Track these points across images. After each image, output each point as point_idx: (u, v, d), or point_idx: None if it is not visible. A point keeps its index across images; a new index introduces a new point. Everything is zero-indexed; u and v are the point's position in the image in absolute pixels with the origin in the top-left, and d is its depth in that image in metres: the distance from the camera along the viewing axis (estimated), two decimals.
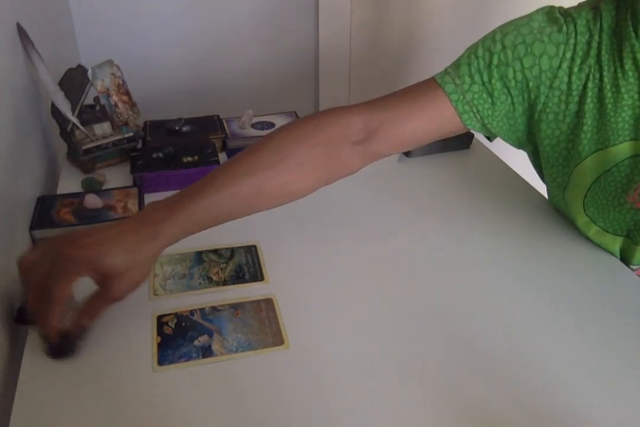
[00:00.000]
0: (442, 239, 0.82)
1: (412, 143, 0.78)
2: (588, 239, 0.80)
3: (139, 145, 1.04)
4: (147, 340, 0.65)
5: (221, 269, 0.76)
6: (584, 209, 0.77)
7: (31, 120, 0.95)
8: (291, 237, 0.83)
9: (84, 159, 0.97)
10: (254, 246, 0.80)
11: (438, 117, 0.75)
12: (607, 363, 0.62)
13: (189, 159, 0.97)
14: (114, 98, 0.98)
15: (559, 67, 0.72)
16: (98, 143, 0.98)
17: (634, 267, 0.78)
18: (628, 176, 0.72)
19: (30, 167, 0.90)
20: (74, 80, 0.99)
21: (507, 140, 0.81)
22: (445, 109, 0.75)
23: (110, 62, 0.97)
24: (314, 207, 0.91)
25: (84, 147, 0.96)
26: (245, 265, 0.77)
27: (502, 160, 1.04)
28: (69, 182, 0.96)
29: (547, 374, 0.61)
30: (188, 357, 0.62)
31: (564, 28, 0.71)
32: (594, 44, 0.71)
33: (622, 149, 0.71)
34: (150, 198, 0.91)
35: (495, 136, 0.82)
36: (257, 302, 0.70)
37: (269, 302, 0.70)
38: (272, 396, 0.58)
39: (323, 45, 1.76)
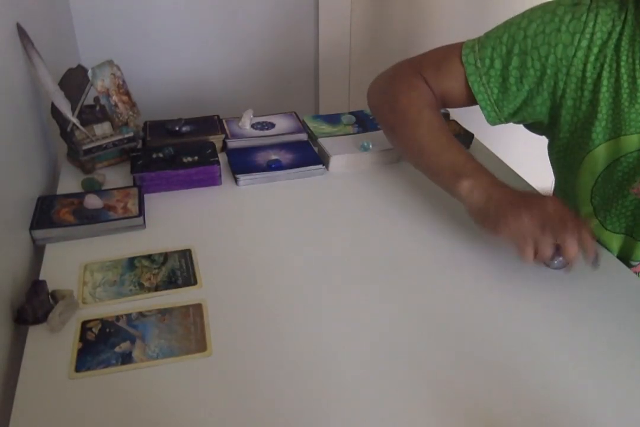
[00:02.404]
0: (439, 239, 0.82)
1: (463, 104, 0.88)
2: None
3: (139, 145, 1.04)
4: (71, 346, 0.64)
5: (153, 274, 0.75)
6: (591, 198, 0.77)
7: (31, 120, 0.95)
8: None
9: (84, 159, 0.97)
10: (189, 250, 0.79)
11: (466, 91, 0.84)
12: (606, 362, 0.62)
13: (189, 159, 0.97)
14: (114, 98, 0.98)
15: (574, 55, 0.73)
16: (98, 143, 0.98)
17: (634, 263, 0.78)
18: (635, 168, 0.72)
19: (30, 167, 0.90)
20: (74, 80, 0.99)
21: (525, 123, 0.86)
22: (467, 86, 0.83)
23: (110, 62, 0.97)
24: (307, 210, 0.91)
25: (84, 147, 0.96)
26: (178, 270, 0.75)
27: (502, 161, 1.04)
28: (69, 182, 0.96)
29: (546, 374, 0.61)
30: (107, 364, 0.61)
31: (584, 16, 0.72)
32: (615, 35, 0.71)
33: (633, 140, 0.72)
34: (150, 198, 0.91)
35: (507, 121, 0.85)
36: (186, 307, 0.69)
37: (197, 308, 0.69)
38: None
39: (323, 45, 1.76)
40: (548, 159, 0.92)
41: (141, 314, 0.68)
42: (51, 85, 0.93)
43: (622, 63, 0.71)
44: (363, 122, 1.13)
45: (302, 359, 0.62)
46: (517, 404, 0.57)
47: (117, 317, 0.68)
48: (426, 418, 0.56)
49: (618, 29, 0.71)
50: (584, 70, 0.73)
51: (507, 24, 0.80)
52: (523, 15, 0.78)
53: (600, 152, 0.75)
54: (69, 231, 0.81)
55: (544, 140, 0.88)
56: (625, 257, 0.78)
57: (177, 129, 1.07)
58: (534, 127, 0.86)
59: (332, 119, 1.14)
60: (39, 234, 0.81)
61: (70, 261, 0.77)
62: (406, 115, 0.83)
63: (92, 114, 1.01)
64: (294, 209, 0.90)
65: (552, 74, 0.75)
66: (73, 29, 1.57)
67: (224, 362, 0.62)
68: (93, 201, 0.85)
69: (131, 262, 0.77)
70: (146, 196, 0.91)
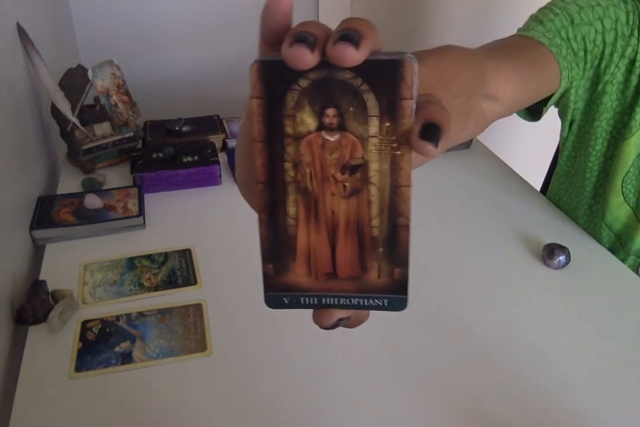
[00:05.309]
0: (440, 239, 0.82)
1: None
2: (615, 226, 0.79)
3: (139, 145, 1.04)
4: (71, 346, 0.64)
5: (153, 274, 0.75)
6: (622, 187, 0.76)
7: (31, 120, 0.95)
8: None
9: (84, 159, 0.97)
10: (189, 250, 0.79)
11: (545, 76, 0.63)
12: (607, 362, 0.62)
13: (189, 159, 0.97)
14: (114, 98, 0.98)
15: (631, 34, 0.70)
16: (98, 143, 0.98)
17: None
18: None
19: (30, 167, 0.90)
20: (74, 80, 0.99)
21: (566, 113, 0.76)
22: (552, 66, 0.63)
23: (110, 62, 0.97)
24: None
25: (84, 147, 0.96)
26: (178, 269, 0.76)
27: (502, 160, 1.04)
28: (69, 182, 0.96)
29: (546, 373, 0.61)
30: (107, 364, 0.61)
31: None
32: None
33: None
34: (150, 198, 0.91)
35: (548, 107, 0.70)
36: (186, 307, 0.69)
37: (197, 308, 0.69)
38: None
39: None
40: (547, 159, 0.92)
41: (141, 314, 0.68)
42: (51, 85, 0.93)
43: None
44: None
45: (302, 359, 0.62)
46: (519, 404, 0.57)
47: (117, 317, 0.68)
48: (426, 418, 0.56)
49: None
50: (636, 53, 0.69)
51: (546, 6, 0.70)
52: None
53: (635, 140, 0.72)
54: (69, 230, 0.81)
55: (543, 141, 0.87)
56: None
57: (177, 128, 1.07)
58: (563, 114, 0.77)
59: None
60: (39, 234, 0.81)
61: (70, 261, 0.77)
62: None
63: (92, 114, 1.01)
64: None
65: (607, 55, 0.70)
66: (73, 29, 1.57)
67: (224, 362, 0.62)
68: (93, 201, 0.85)
69: (131, 262, 0.77)
70: (146, 196, 0.91)
